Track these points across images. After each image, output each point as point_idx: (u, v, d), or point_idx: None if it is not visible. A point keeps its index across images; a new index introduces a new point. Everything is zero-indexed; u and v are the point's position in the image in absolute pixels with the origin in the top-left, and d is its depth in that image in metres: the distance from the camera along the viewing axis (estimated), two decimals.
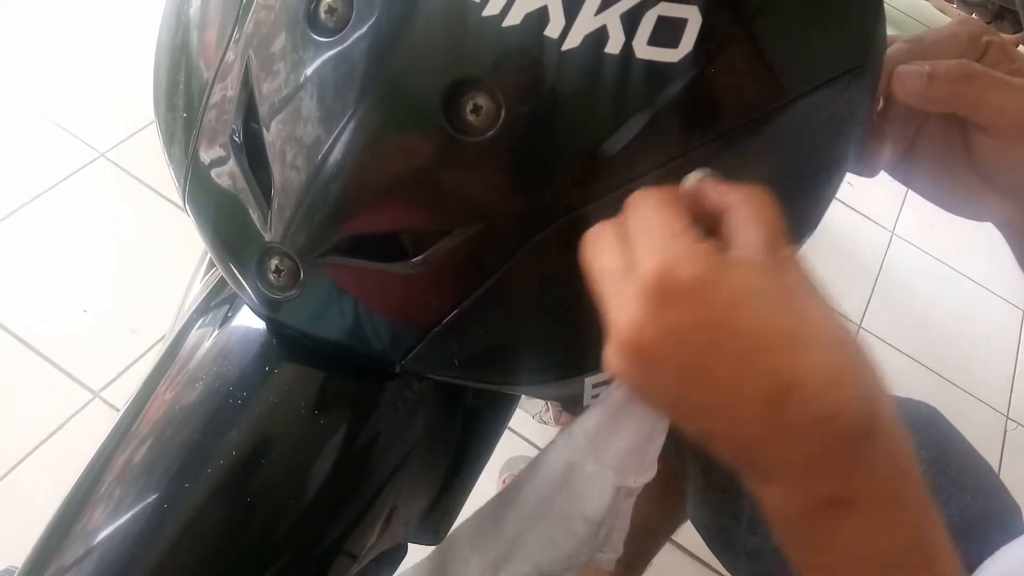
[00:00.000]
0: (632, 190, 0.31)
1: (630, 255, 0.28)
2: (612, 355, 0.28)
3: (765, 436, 0.28)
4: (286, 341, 0.38)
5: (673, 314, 0.26)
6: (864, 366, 0.28)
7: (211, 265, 0.48)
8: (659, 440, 0.39)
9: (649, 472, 0.40)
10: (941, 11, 2.10)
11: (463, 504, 0.50)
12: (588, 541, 0.41)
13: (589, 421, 0.38)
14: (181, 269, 0.52)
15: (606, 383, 0.39)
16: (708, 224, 0.29)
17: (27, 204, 1.31)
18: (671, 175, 0.31)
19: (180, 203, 0.38)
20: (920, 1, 2.16)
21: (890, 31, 0.36)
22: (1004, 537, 0.54)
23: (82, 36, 1.55)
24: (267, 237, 0.34)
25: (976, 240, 1.67)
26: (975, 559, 0.52)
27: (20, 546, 0.38)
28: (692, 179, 0.31)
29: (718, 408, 0.28)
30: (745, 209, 0.28)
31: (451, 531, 0.48)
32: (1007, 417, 1.51)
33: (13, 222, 1.29)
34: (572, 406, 0.41)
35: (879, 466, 0.28)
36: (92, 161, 1.39)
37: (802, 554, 0.31)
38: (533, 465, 0.43)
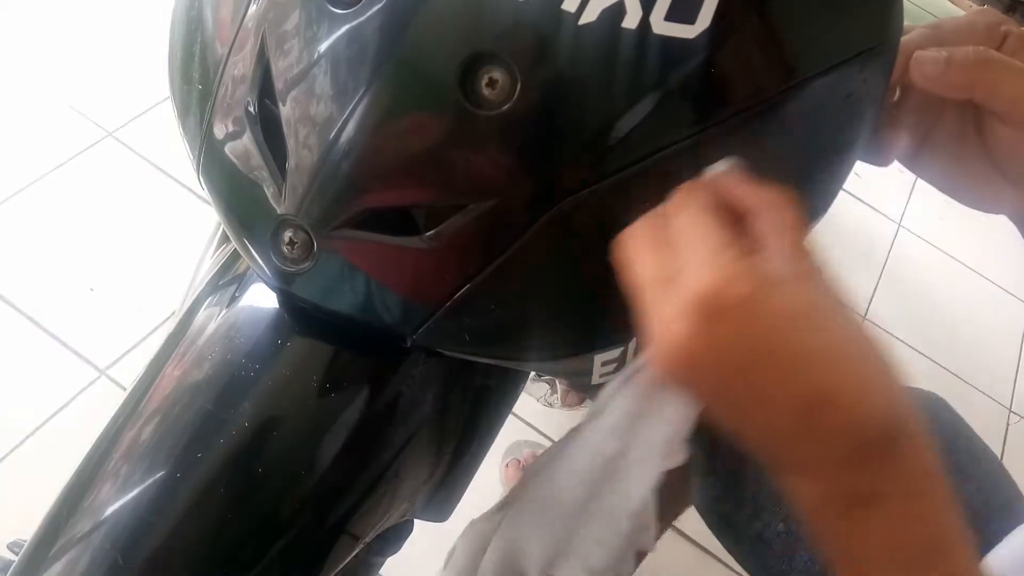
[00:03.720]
0: (647, 168, 0.31)
1: (672, 262, 0.29)
2: (656, 360, 0.29)
3: (797, 438, 0.29)
4: (298, 315, 0.38)
5: (720, 329, 0.28)
6: (887, 375, 0.30)
7: (222, 241, 0.48)
8: (690, 419, 0.39)
9: (682, 453, 0.39)
10: (955, 4, 2.09)
11: (469, 482, 0.50)
12: (631, 537, 0.41)
13: (621, 406, 0.38)
14: (187, 248, 0.52)
15: (617, 360, 0.39)
16: (732, 216, 0.30)
17: (35, 183, 1.31)
18: (686, 153, 0.31)
19: (186, 183, 0.38)
20: None
21: (904, 22, 0.36)
22: (1007, 525, 0.54)
23: (90, 16, 1.55)
24: (281, 210, 0.34)
25: (982, 233, 1.67)
26: (978, 546, 0.52)
27: (26, 520, 0.38)
28: (719, 167, 0.32)
29: (754, 411, 0.29)
30: (772, 214, 0.30)
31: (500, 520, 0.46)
32: (1010, 410, 1.51)
33: (21, 200, 1.29)
34: (580, 384, 0.41)
35: (902, 465, 0.30)
36: (100, 140, 1.39)
37: (828, 543, 0.33)
38: (561, 463, 0.41)
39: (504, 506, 0.46)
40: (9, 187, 1.29)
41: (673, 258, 0.29)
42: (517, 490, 0.45)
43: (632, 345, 0.38)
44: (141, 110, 1.44)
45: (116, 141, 1.40)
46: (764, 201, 0.30)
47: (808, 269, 0.29)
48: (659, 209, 0.31)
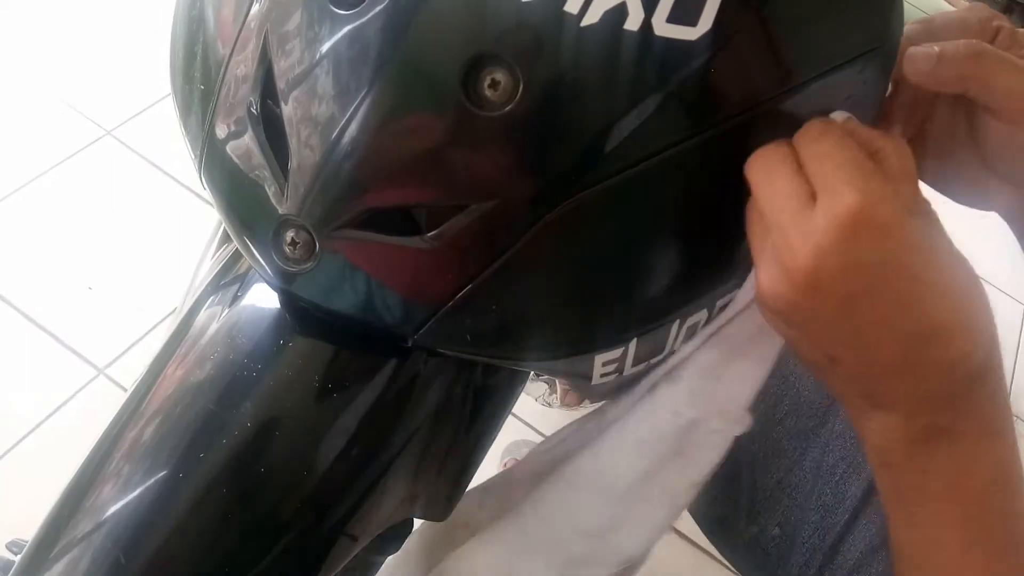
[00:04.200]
0: (648, 169, 0.31)
1: (811, 183, 0.29)
2: (777, 279, 0.30)
3: (898, 369, 0.30)
4: (300, 315, 0.38)
5: (860, 249, 0.28)
6: (989, 315, 0.31)
7: (222, 241, 0.48)
8: (762, 381, 0.38)
9: (749, 419, 0.38)
10: (950, 2, 2.10)
11: (469, 482, 0.50)
12: (674, 518, 0.39)
13: (700, 364, 0.36)
14: (186, 247, 0.52)
15: (617, 360, 0.39)
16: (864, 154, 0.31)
17: (33, 181, 1.31)
18: (687, 154, 0.32)
19: (185, 182, 0.38)
20: None
21: None
22: None
23: (89, 14, 1.55)
24: (283, 209, 0.34)
25: (979, 235, 1.66)
26: None
27: (25, 519, 0.38)
28: (838, 116, 0.32)
29: (864, 338, 0.30)
30: (895, 158, 0.31)
31: (500, 523, 0.45)
32: None
33: (19, 199, 1.29)
34: (580, 384, 0.41)
35: (983, 404, 0.31)
36: (98, 139, 1.39)
37: (894, 477, 0.34)
38: (610, 439, 0.39)
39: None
40: (6, 186, 1.29)
41: (810, 179, 0.30)
42: (509, 497, 0.42)
43: (680, 324, 0.37)
44: (140, 108, 1.44)
45: (114, 140, 1.40)
46: (893, 145, 0.31)
47: (931, 210, 0.31)
48: (787, 140, 0.32)
